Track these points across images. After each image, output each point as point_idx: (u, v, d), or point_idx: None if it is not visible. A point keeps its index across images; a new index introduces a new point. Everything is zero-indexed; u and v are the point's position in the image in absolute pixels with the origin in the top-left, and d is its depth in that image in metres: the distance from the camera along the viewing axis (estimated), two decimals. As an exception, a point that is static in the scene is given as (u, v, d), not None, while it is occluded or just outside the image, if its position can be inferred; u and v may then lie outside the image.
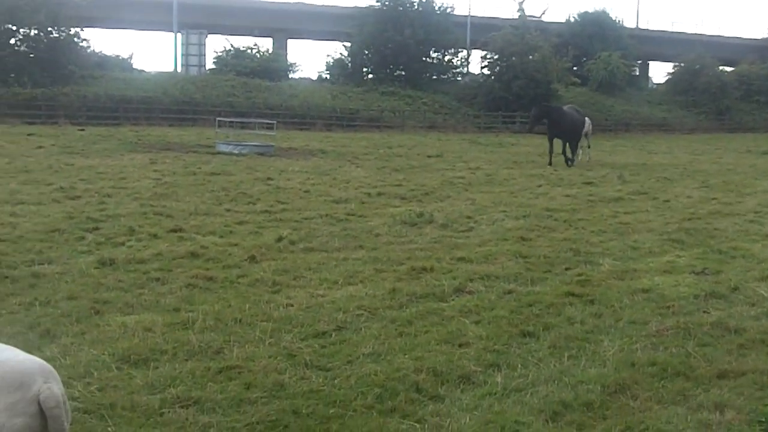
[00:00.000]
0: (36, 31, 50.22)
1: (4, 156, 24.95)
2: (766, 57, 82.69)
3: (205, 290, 9.83)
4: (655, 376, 7.24)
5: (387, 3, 65.05)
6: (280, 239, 13.04)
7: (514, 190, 21.56)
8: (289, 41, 78.85)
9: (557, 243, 13.64)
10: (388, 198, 19.13)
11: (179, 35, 64.11)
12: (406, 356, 7.59)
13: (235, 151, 30.50)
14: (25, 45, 50.17)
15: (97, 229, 13.60)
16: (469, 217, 16.29)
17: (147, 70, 62.96)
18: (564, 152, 30.39)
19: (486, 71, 67.25)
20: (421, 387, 6.87)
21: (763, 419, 6.31)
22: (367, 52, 65.55)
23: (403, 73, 65.51)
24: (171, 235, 13.28)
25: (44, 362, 4.20)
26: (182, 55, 63.83)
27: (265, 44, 69.38)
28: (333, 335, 8.21)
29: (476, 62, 72.60)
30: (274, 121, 37.92)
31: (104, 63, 57.71)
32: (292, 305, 9.19)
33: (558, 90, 64.49)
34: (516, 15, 70.36)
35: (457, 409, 6.51)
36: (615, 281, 10.83)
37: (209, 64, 64.12)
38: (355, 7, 67.84)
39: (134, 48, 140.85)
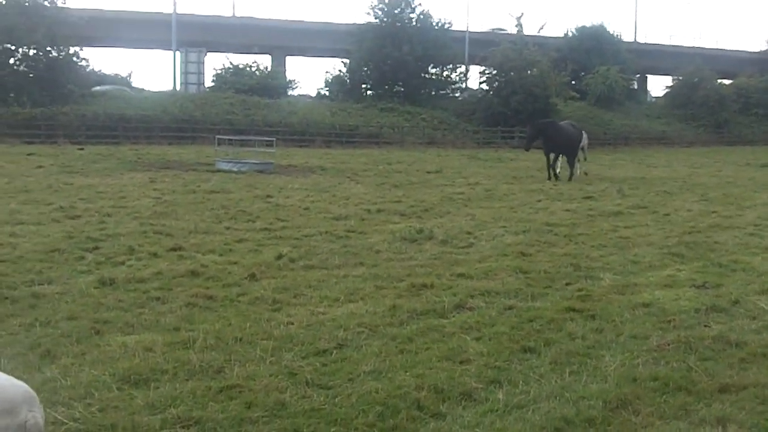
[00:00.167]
0: (35, 51, 50.51)
1: (4, 176, 24.99)
2: (764, 70, 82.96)
3: (205, 309, 9.81)
4: (656, 391, 7.22)
5: (385, 19, 65.30)
6: (280, 257, 13.03)
7: (513, 205, 21.57)
8: (288, 58, 79.16)
9: (557, 258, 13.62)
10: (387, 214, 19.13)
11: (178, 53, 64.34)
12: (407, 373, 7.57)
13: (235, 169, 30.53)
14: (24, 65, 50.45)
15: (97, 248, 13.59)
16: (469, 233, 16.28)
17: (146, 88, 63.18)
18: (552, 166, 30.47)
19: (484, 86, 67.44)
20: (423, 404, 6.84)
21: (766, 434, 6.30)
22: (365, 68, 65.74)
23: (402, 89, 65.67)
24: (171, 254, 13.27)
25: (28, 387, 4.17)
26: (181, 73, 64.08)
27: (264, 61, 69.65)
28: (334, 353, 8.19)
29: (475, 78, 72.93)
30: (274, 139, 37.93)
31: (103, 82, 57.94)
32: (292, 323, 9.17)
33: (557, 104, 64.69)
34: (514, 30, 70.70)
35: (459, 426, 6.50)
36: (616, 296, 10.81)
37: (208, 82, 64.43)
38: (354, 24, 68.06)
39: (133, 66, 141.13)
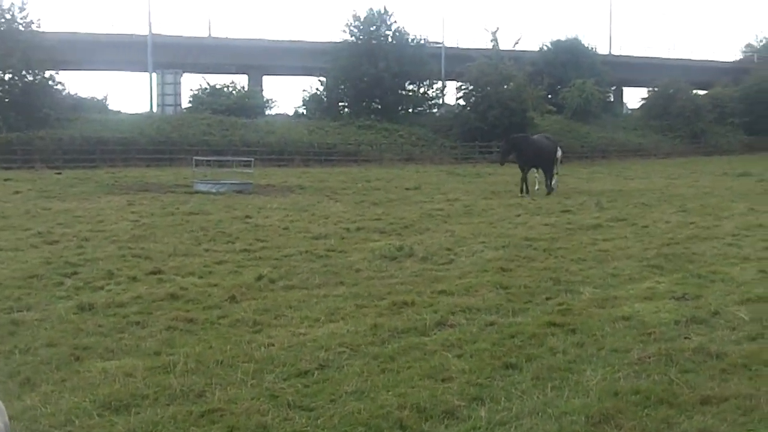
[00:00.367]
0: (10, 75, 50.32)
1: (-19, 202, 24.85)
2: (738, 79, 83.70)
3: (185, 332, 9.77)
4: (638, 404, 7.23)
5: (361, 37, 65.48)
6: (260, 278, 13.00)
7: (493, 221, 21.61)
8: (265, 77, 79.06)
9: (537, 272, 13.65)
10: (367, 232, 19.12)
11: (154, 75, 64.19)
12: (390, 393, 7.56)
13: (213, 190, 30.48)
14: (-1, 89, 50.23)
15: (75, 273, 13.52)
16: (448, 249, 16.29)
17: (123, 111, 63.04)
18: (525, 179, 30.48)
19: (461, 102, 67.74)
20: (405, 424, 6.83)
21: (748, 445, 6.32)
22: (342, 86, 65.86)
23: (379, 106, 65.84)
24: (150, 278, 13.22)
25: None
26: (158, 94, 63.93)
27: (241, 81, 69.69)
28: (315, 374, 8.16)
29: (451, 93, 73.41)
30: (252, 159, 37.97)
31: (79, 105, 57.69)
32: (273, 345, 9.15)
33: (533, 118, 64.98)
34: (489, 45, 70.94)
35: (442, 445, 6.49)
36: (596, 309, 10.84)
37: (185, 103, 64.27)
38: (330, 42, 68.14)
39: (109, 89, 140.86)
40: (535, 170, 32.12)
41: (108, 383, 7.84)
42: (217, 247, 16.77)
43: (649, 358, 8.51)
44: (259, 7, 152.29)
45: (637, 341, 9.23)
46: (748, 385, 7.66)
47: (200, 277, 13.34)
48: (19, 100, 49.24)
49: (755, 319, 10.06)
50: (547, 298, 11.64)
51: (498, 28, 74.50)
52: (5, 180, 34.11)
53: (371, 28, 65.83)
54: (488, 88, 63.25)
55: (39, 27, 52.36)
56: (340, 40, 66.69)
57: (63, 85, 55.63)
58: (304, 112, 68.53)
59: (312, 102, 67.88)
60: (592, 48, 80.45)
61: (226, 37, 74.76)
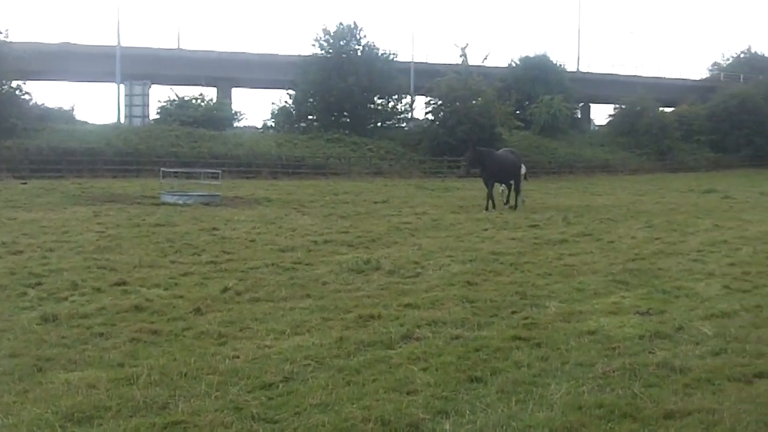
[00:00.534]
0: (-22, 86, 49.98)
1: (-56, 212, 24.59)
2: (705, 97, 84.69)
3: (149, 344, 9.70)
4: (602, 418, 7.25)
5: (330, 51, 65.61)
6: (225, 290, 12.95)
7: (460, 235, 21.64)
8: (234, 90, 79.03)
9: (503, 287, 13.68)
10: (334, 245, 19.10)
11: (122, 86, 63.91)
12: (354, 406, 7.53)
13: (180, 202, 30.33)
14: (-34, 100, 49.88)
15: (39, 284, 13.39)
16: (416, 263, 16.29)
17: (90, 121, 62.68)
18: (489, 195, 30.42)
19: (430, 117, 67.94)
20: (370, 437, 6.82)
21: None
22: (311, 99, 65.96)
23: (348, 119, 65.98)
24: (115, 289, 13.12)
25: None
26: (126, 105, 63.63)
27: (210, 93, 69.53)
28: (280, 386, 8.13)
29: (420, 108, 73.56)
30: (219, 171, 37.85)
31: (47, 115, 57.30)
32: (238, 357, 9.10)
33: (502, 134, 65.26)
34: (459, 61, 71.25)
35: (406, 458, 6.48)
36: (561, 324, 10.87)
37: (153, 115, 64.07)
38: (299, 56, 68.28)
39: (77, 99, 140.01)
40: (499, 185, 32.10)
41: (71, 395, 7.77)
42: (183, 258, 16.69)
43: (614, 372, 8.54)
44: (229, 19, 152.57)
45: (601, 355, 9.26)
46: (711, 400, 7.70)
47: (165, 289, 13.26)
48: (-14, 110, 48.96)
49: (719, 335, 10.12)
50: (513, 312, 11.65)
51: (467, 44, 74.68)
52: (-30, 190, 33.82)
53: (341, 43, 66.03)
54: (457, 104, 63.53)
55: (7, 37, 52.29)
56: (310, 54, 66.85)
57: (30, 95, 55.50)
58: (273, 125, 68.50)
59: (281, 115, 67.88)
60: (561, 65, 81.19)
61: (196, 50, 74.79)
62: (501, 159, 31.12)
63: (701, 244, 19.65)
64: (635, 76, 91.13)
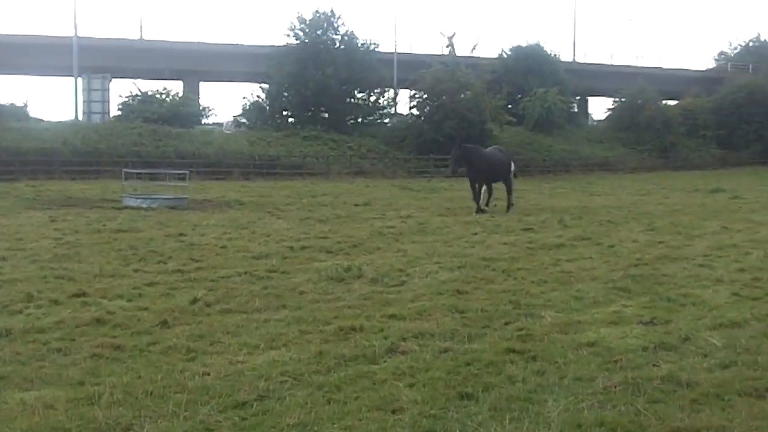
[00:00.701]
0: None
1: None
2: (711, 89, 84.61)
3: (112, 360, 9.67)
4: (603, 437, 7.28)
5: (306, 41, 65.41)
6: (194, 301, 12.92)
7: (448, 239, 21.65)
8: (202, 84, 78.89)
9: (496, 295, 13.69)
10: (312, 252, 19.08)
11: (80, 80, 63.63)
12: (335, 425, 7.53)
13: (144, 206, 30.23)
14: None
15: (-9, 296, 13.36)
16: (400, 270, 16.28)
17: (45, 118, 62.42)
18: (478, 197, 30.35)
19: (415, 111, 67.93)
20: (352, 459, 6.82)
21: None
22: (286, 93, 65.80)
23: (326, 115, 65.92)
24: (74, 301, 13.06)
25: None
26: (84, 101, 63.30)
27: (176, 88, 69.39)
28: (254, 405, 8.11)
29: (404, 102, 73.43)
30: (187, 171, 37.75)
31: (-2, 112, 57.10)
32: (208, 374, 9.08)
33: (492, 130, 65.04)
34: (445, 51, 71.16)
35: (392, 482, 6.48)
36: (558, 335, 10.88)
37: (114, 111, 63.89)
38: (273, 46, 68.19)
39: (30, 95, 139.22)
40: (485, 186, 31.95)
41: (26, 416, 7.73)
42: (148, 267, 16.63)
43: (615, 387, 8.55)
44: (196, 8, 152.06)
45: (602, 369, 9.27)
46: (720, 416, 7.72)
47: (129, 300, 13.21)
48: (-71, 107, 48.78)
49: (728, 346, 10.15)
50: (506, 323, 11.66)
51: (454, 33, 74.40)
52: None
53: (317, 32, 65.93)
54: (444, 97, 63.42)
55: (-47, 28, 51.97)
56: (284, 44, 66.75)
57: (-21, 91, 55.24)
58: (245, 122, 68.38)
59: (253, 111, 67.75)
60: (555, 55, 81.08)
61: (160, 40, 74.62)
62: (489, 157, 30.82)
63: (708, 248, 19.70)
64: (636, 66, 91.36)
